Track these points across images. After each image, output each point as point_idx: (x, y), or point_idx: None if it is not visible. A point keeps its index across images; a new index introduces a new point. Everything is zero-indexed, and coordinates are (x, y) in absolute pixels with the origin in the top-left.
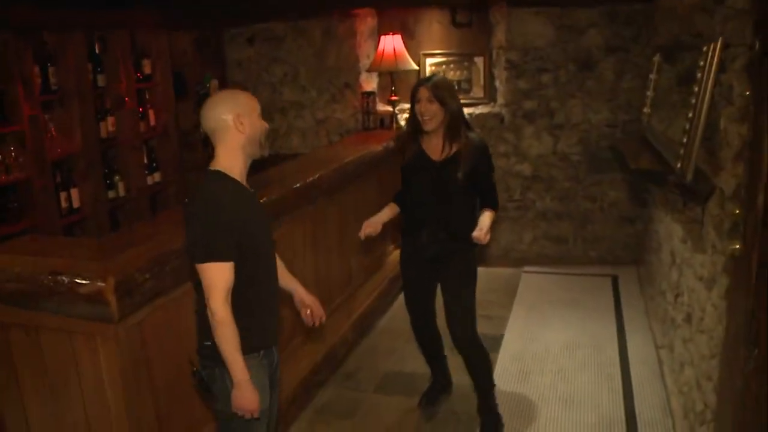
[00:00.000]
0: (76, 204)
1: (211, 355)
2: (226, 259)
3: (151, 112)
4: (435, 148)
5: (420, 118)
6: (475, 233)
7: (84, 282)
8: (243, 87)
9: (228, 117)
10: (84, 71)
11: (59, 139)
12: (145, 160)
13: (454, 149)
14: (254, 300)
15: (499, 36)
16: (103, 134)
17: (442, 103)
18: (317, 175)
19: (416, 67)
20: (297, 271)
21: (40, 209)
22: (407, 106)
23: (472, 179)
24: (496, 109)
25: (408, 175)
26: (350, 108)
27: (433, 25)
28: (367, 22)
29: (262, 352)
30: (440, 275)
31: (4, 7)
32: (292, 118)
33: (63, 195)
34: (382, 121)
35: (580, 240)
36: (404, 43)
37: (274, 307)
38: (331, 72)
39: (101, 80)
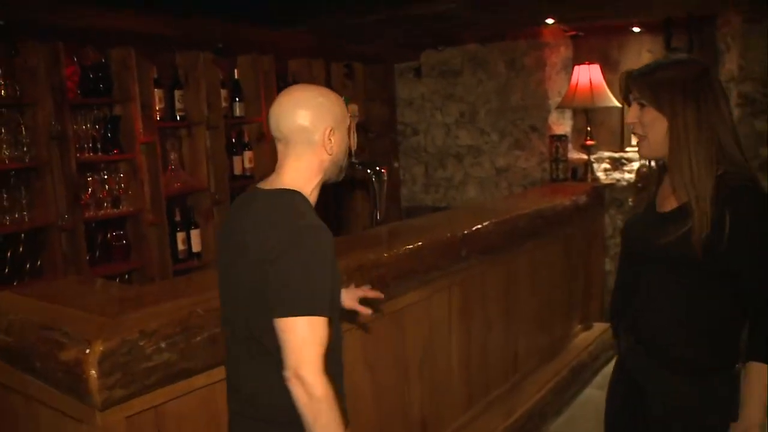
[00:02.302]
0: (196, 248)
1: None
2: (326, 313)
3: None
4: (666, 192)
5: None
6: None
7: (65, 342)
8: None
9: (315, 129)
10: (217, 97)
11: (181, 173)
12: None
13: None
14: (335, 372)
15: (730, 63)
16: (237, 171)
17: (660, 107)
18: (472, 228)
19: (618, 105)
20: (437, 349)
21: (151, 250)
22: (607, 154)
23: (713, 258)
24: None
25: (624, 234)
26: (536, 155)
27: (643, 54)
28: (560, 51)
29: None
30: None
31: (126, 17)
32: (469, 166)
33: (180, 236)
34: (574, 171)
35: None
36: (605, 75)
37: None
38: (515, 112)
39: (239, 109)
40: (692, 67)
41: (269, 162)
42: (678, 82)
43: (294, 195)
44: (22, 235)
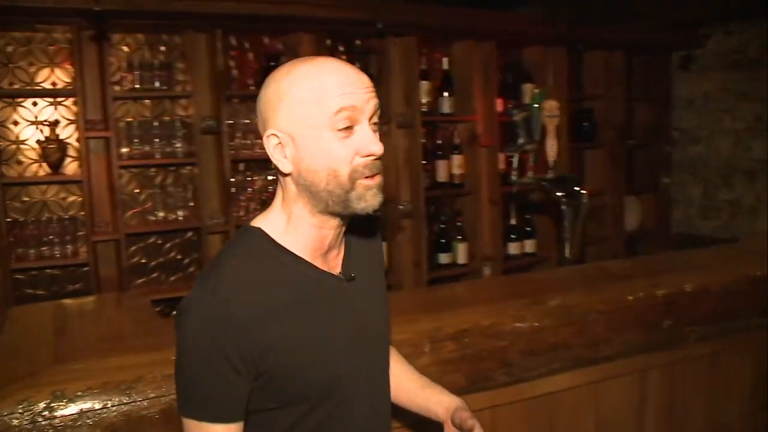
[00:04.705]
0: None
1: None
2: (208, 418)
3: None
4: None
5: None
6: None
7: None
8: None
9: (265, 131)
10: (415, 90)
11: None
12: (513, 221)
13: None
14: None
15: None
16: (443, 177)
17: None
18: (684, 287)
19: None
20: None
21: None
22: None
23: None
24: None
25: None
26: None
27: None
28: None
29: None
30: None
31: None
32: (764, 188)
33: None
34: None
35: None
36: None
37: None
38: None
39: (448, 105)
40: None
41: (483, 167)
42: None
43: (245, 236)
44: None
